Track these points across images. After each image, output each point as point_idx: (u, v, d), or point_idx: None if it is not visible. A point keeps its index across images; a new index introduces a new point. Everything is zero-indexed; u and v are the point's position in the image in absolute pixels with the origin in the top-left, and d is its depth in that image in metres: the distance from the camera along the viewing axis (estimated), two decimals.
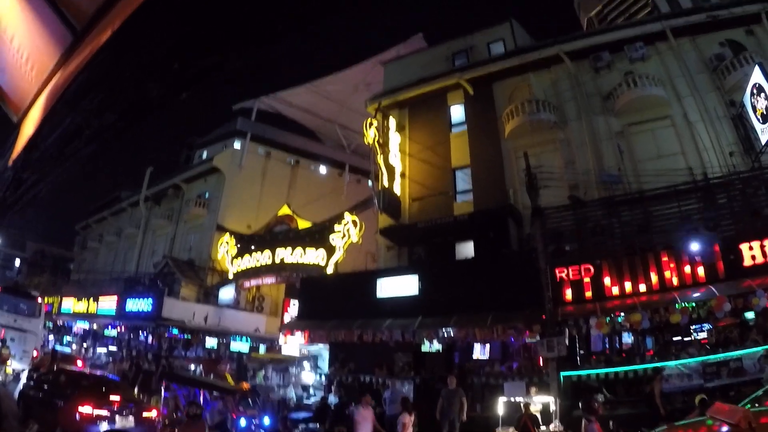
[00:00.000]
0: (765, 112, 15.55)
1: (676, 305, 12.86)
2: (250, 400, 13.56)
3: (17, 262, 63.15)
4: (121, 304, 31.70)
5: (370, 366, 17.84)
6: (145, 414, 10.92)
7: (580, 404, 9.76)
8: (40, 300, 25.41)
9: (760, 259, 12.99)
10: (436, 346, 17.45)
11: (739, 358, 12.38)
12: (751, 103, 16.18)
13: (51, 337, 37.64)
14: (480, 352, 17.63)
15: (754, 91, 16.04)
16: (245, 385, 14.27)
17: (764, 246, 13.05)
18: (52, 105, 2.61)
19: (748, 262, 13.09)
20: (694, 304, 12.90)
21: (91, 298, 35.47)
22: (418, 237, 21.14)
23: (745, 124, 16.88)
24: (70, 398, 10.46)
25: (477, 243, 19.66)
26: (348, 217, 25.37)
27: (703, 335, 14.56)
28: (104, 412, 10.20)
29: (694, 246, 13.69)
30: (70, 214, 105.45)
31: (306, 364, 20.62)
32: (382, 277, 18.97)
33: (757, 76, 15.94)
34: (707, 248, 13.62)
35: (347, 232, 24.97)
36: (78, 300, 37.29)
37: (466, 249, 20.08)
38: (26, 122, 2.89)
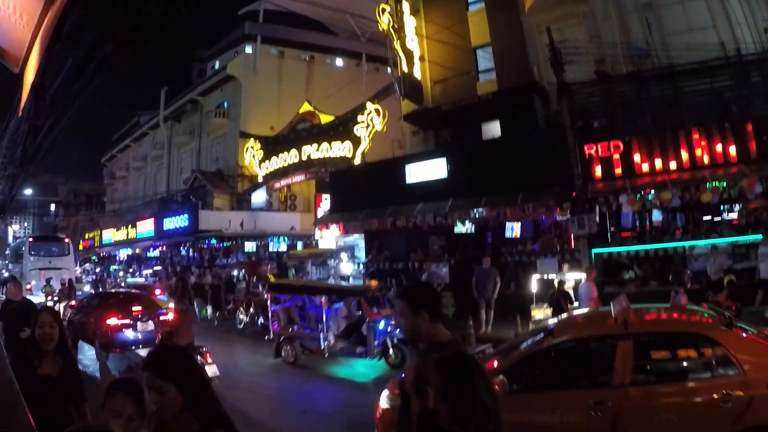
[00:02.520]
0: None
1: (707, 184, 12.58)
2: (383, 299, 12.13)
3: (52, 207, 65.74)
4: (158, 225, 33.01)
5: (406, 251, 18.34)
6: (162, 318, 12.23)
7: (670, 277, 9.93)
8: (67, 240, 29.14)
9: None
10: (469, 227, 17.74)
11: None
12: None
13: (98, 269, 40.08)
14: (512, 231, 17.90)
15: None
16: (373, 283, 12.98)
17: None
18: (49, 47, 2.55)
19: None
20: (725, 184, 12.54)
21: (129, 225, 37.17)
22: (442, 120, 20.85)
23: None
24: (101, 314, 12.15)
25: (503, 122, 19.37)
26: (370, 106, 25.02)
27: (733, 216, 14.48)
28: (127, 321, 11.90)
29: (726, 124, 13.12)
30: (93, 149, 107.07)
31: (343, 255, 21.23)
32: (410, 163, 18.85)
33: None
34: (739, 127, 13.04)
35: (371, 122, 24.70)
36: (117, 229, 39.13)
37: (493, 129, 19.84)
38: (27, 70, 2.85)
